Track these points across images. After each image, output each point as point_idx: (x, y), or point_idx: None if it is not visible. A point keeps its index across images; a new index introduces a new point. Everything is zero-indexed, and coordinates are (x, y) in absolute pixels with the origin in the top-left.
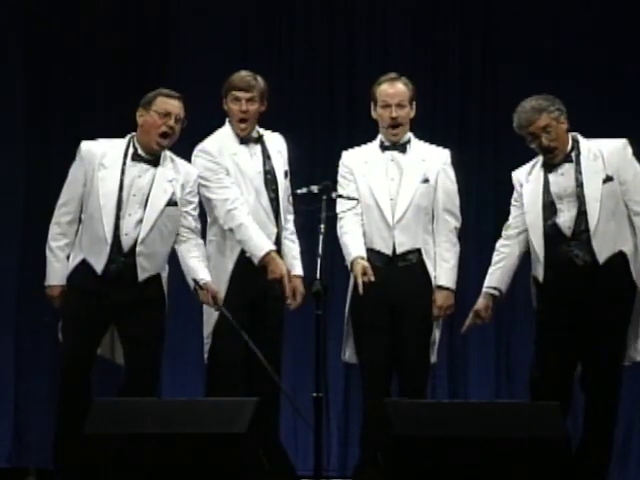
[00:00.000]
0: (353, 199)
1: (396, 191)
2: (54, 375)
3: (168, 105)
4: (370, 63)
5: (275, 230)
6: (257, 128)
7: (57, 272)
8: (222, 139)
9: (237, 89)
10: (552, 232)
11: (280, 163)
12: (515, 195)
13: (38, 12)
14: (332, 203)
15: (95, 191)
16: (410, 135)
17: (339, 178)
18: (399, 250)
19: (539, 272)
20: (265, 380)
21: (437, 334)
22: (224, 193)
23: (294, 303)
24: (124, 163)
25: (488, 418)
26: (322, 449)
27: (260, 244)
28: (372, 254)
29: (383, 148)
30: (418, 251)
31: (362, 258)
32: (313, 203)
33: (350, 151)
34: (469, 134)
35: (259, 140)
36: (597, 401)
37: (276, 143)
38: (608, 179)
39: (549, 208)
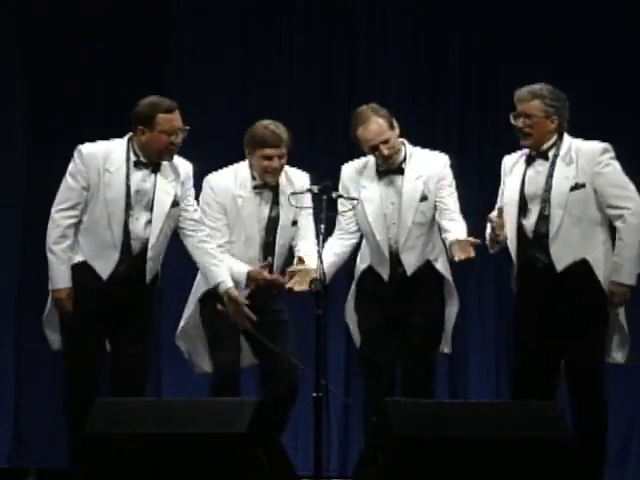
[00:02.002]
0: (353, 199)
1: (397, 215)
2: (54, 375)
3: (174, 122)
4: (370, 63)
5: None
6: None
7: (63, 274)
8: (234, 180)
9: (269, 146)
10: (519, 233)
11: (290, 211)
12: (503, 180)
13: (38, 12)
14: (332, 203)
15: (101, 196)
16: (405, 149)
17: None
18: (409, 271)
19: (515, 269)
20: (284, 382)
21: (451, 326)
22: (210, 229)
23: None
24: (127, 168)
25: (488, 418)
26: (322, 449)
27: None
28: (373, 272)
29: (380, 174)
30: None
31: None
32: (313, 203)
33: (348, 168)
34: (469, 134)
35: (273, 187)
36: (581, 404)
37: (294, 186)
38: (578, 186)
39: (523, 207)
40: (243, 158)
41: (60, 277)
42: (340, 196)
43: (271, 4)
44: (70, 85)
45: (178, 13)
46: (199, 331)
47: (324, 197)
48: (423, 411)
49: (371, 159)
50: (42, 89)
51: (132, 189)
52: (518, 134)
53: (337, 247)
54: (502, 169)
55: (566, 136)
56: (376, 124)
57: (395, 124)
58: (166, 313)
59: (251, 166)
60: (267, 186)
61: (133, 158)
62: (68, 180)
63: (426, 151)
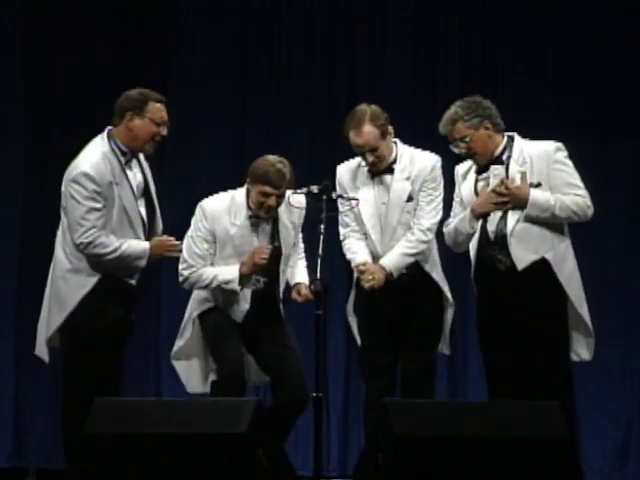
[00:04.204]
0: (353, 199)
1: (386, 213)
2: (54, 375)
3: (163, 112)
4: (370, 63)
5: (247, 307)
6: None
7: (137, 244)
8: (228, 208)
9: (270, 185)
10: (481, 234)
11: (290, 235)
12: (456, 190)
13: (38, 12)
14: (332, 203)
15: (119, 207)
16: (396, 149)
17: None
18: (396, 273)
19: (472, 270)
20: (293, 390)
21: (448, 327)
22: (195, 259)
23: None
24: (123, 169)
25: (488, 418)
26: (322, 449)
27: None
28: None
29: (372, 174)
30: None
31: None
32: (313, 203)
33: (343, 169)
34: None
35: (271, 218)
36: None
37: (293, 215)
38: (532, 185)
39: None
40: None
41: (139, 246)
42: (340, 196)
43: (271, 4)
44: (70, 85)
45: (178, 13)
46: (198, 347)
47: (324, 197)
48: (423, 411)
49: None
50: (42, 89)
51: (134, 187)
52: (463, 155)
53: (364, 248)
54: (456, 178)
55: (517, 138)
56: (368, 131)
57: (389, 131)
58: (165, 313)
59: (248, 194)
60: (264, 218)
61: (123, 159)
62: (88, 204)
63: (417, 151)
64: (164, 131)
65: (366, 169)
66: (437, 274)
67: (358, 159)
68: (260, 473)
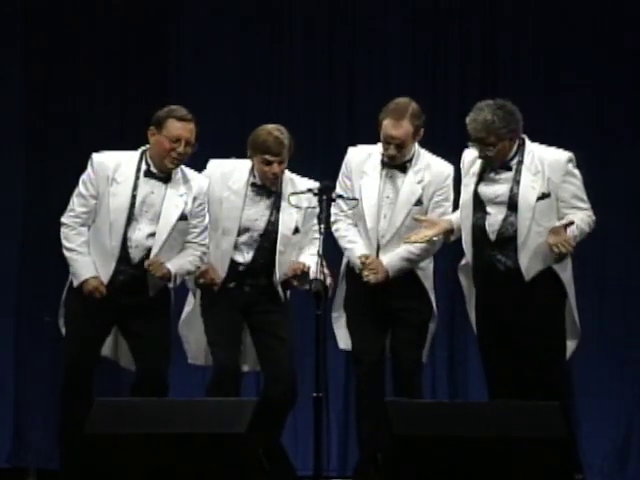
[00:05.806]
0: (353, 199)
1: (390, 210)
2: (54, 375)
3: (179, 130)
4: (370, 63)
5: (222, 275)
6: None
7: (86, 265)
8: (232, 171)
9: (270, 153)
10: (478, 233)
11: (290, 215)
12: (462, 174)
13: (38, 13)
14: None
15: (105, 205)
16: (413, 150)
17: (340, 175)
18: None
19: (468, 266)
20: (282, 385)
21: (430, 337)
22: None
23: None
24: (137, 178)
25: (488, 418)
26: (322, 449)
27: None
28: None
29: (384, 164)
30: None
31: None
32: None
33: (355, 151)
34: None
35: (274, 192)
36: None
37: (300, 200)
38: (544, 196)
39: (479, 208)
40: (241, 158)
41: (85, 268)
42: (340, 196)
43: (271, 4)
44: (70, 86)
45: (178, 13)
46: (200, 320)
47: (324, 197)
48: (423, 411)
49: (378, 148)
50: (42, 90)
51: (138, 200)
52: (480, 157)
53: (360, 238)
54: (462, 163)
55: (528, 142)
56: (404, 126)
57: (420, 134)
58: None
59: (253, 165)
60: (267, 188)
61: (144, 167)
62: (80, 187)
63: (434, 157)
64: (181, 148)
65: (378, 158)
66: (429, 284)
67: (372, 148)
68: (260, 473)
